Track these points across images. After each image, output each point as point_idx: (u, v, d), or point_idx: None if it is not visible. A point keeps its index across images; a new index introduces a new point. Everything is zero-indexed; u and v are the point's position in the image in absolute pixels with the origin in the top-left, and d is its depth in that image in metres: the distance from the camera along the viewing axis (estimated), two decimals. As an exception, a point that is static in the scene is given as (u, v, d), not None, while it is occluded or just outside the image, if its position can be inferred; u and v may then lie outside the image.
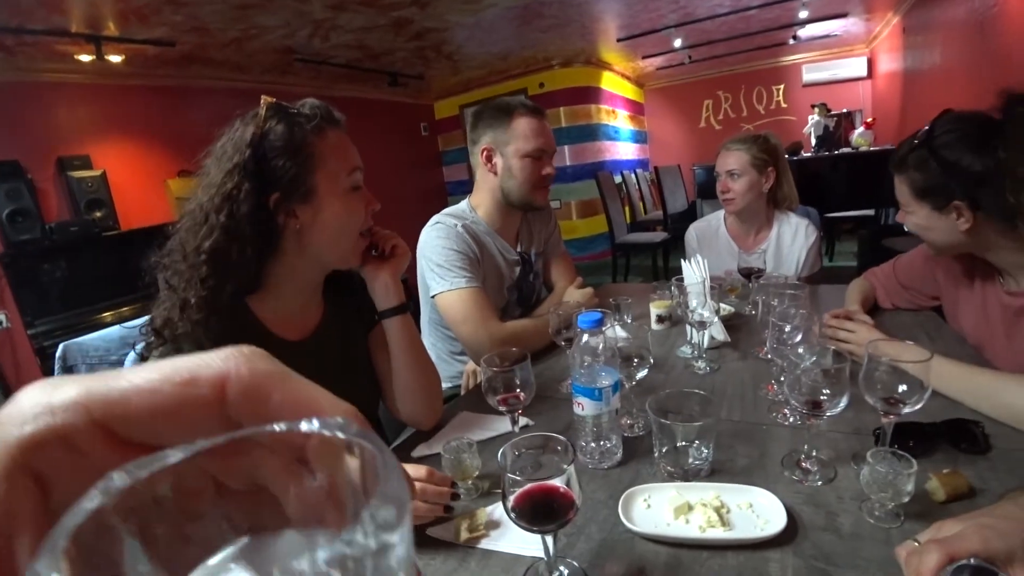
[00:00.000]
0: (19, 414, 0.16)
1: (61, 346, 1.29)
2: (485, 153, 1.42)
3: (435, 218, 1.42)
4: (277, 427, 0.15)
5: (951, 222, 1.01)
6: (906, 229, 1.14)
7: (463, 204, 1.50)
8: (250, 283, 0.88)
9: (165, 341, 0.78)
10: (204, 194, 0.83)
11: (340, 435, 0.15)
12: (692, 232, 1.96)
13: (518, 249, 1.54)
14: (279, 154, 0.83)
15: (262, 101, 0.86)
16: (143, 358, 0.83)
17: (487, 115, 1.42)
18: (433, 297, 1.33)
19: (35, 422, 0.16)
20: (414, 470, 0.75)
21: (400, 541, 0.12)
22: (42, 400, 0.16)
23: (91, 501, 0.13)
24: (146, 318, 0.83)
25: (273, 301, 0.92)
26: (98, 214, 3.56)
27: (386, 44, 4.56)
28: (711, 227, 1.92)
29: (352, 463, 0.15)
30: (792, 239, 1.77)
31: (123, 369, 0.18)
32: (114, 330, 1.34)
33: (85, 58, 3.45)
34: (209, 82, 4.52)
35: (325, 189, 0.86)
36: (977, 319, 1.16)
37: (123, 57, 3.61)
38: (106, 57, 3.42)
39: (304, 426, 0.15)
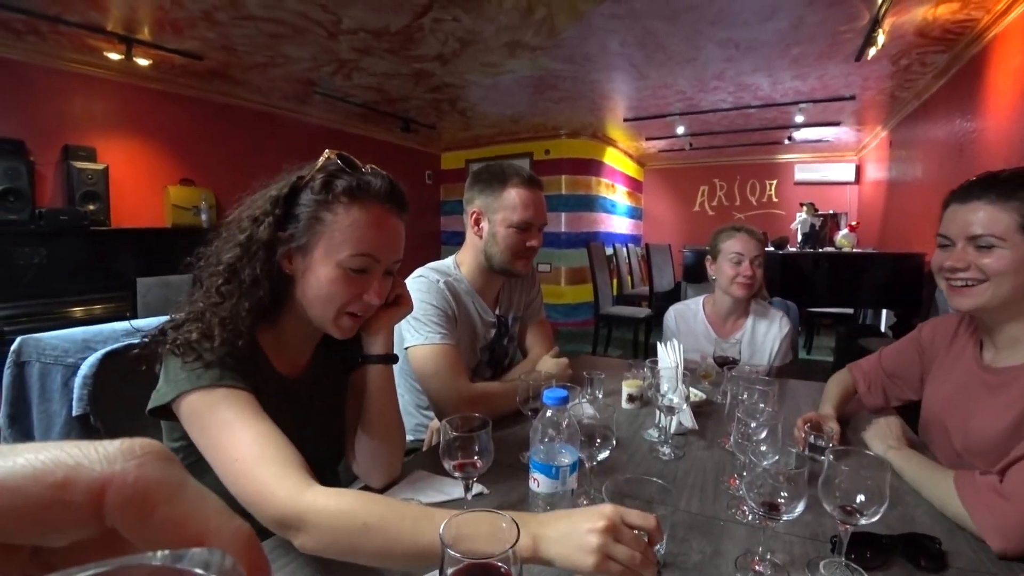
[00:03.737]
0: None
1: (19, 339, 1.24)
2: (474, 216, 1.44)
3: (419, 271, 1.43)
4: (159, 558, 0.14)
5: None
6: (953, 277, 1.03)
7: (449, 260, 1.51)
8: (265, 311, 0.86)
9: (199, 355, 0.77)
10: (245, 211, 0.86)
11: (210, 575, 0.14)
12: (671, 313, 2.01)
13: (496, 311, 1.54)
14: (306, 201, 0.84)
15: (325, 152, 0.87)
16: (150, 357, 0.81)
17: (483, 178, 1.43)
18: (406, 349, 1.32)
19: None
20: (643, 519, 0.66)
21: None
22: None
23: None
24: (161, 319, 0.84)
25: (278, 336, 0.91)
26: (91, 207, 3.55)
27: (404, 91, 4.74)
28: (690, 310, 1.98)
29: None
30: (767, 329, 1.84)
31: None
32: (76, 331, 1.30)
33: (114, 56, 3.55)
34: (227, 99, 4.64)
35: (320, 254, 0.84)
36: (951, 391, 1.14)
37: (151, 62, 3.71)
38: (134, 59, 3.51)
39: (184, 561, 0.14)
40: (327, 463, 1.05)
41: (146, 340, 0.82)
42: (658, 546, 0.75)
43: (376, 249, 0.86)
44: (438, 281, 1.38)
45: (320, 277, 0.84)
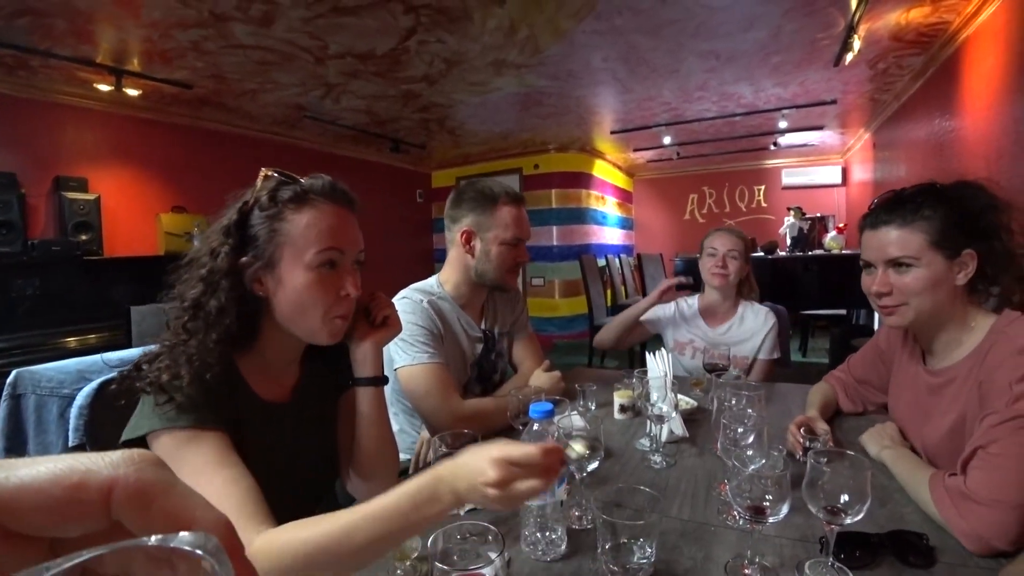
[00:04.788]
0: None
1: (14, 372, 1.25)
2: (464, 235, 1.46)
3: (403, 292, 1.45)
4: (152, 540, 0.17)
5: (953, 275, 1.00)
6: (880, 303, 1.07)
7: (432, 280, 1.53)
8: (236, 339, 0.87)
9: (171, 398, 0.77)
10: (201, 246, 0.87)
11: (197, 552, 0.17)
12: (672, 303, 2.17)
13: (482, 326, 1.56)
14: (258, 220, 0.86)
15: (262, 171, 0.89)
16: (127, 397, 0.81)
17: (471, 197, 1.45)
18: (396, 370, 1.34)
19: None
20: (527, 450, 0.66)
21: None
22: None
23: None
24: (136, 351, 0.86)
25: (258, 361, 0.92)
26: (83, 237, 3.56)
27: (393, 112, 4.78)
28: (687, 302, 2.18)
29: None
30: (753, 322, 2.00)
31: (15, 461, 0.19)
32: (71, 362, 1.31)
33: (104, 87, 3.57)
34: (218, 126, 4.67)
35: (287, 264, 0.85)
36: (905, 397, 1.19)
37: (140, 92, 3.74)
38: (124, 90, 3.54)
39: (174, 542, 0.17)
40: (322, 484, 1.05)
41: (123, 375, 0.82)
42: (648, 552, 0.76)
43: (337, 241, 0.88)
44: (422, 301, 1.40)
45: (296, 286, 0.85)
